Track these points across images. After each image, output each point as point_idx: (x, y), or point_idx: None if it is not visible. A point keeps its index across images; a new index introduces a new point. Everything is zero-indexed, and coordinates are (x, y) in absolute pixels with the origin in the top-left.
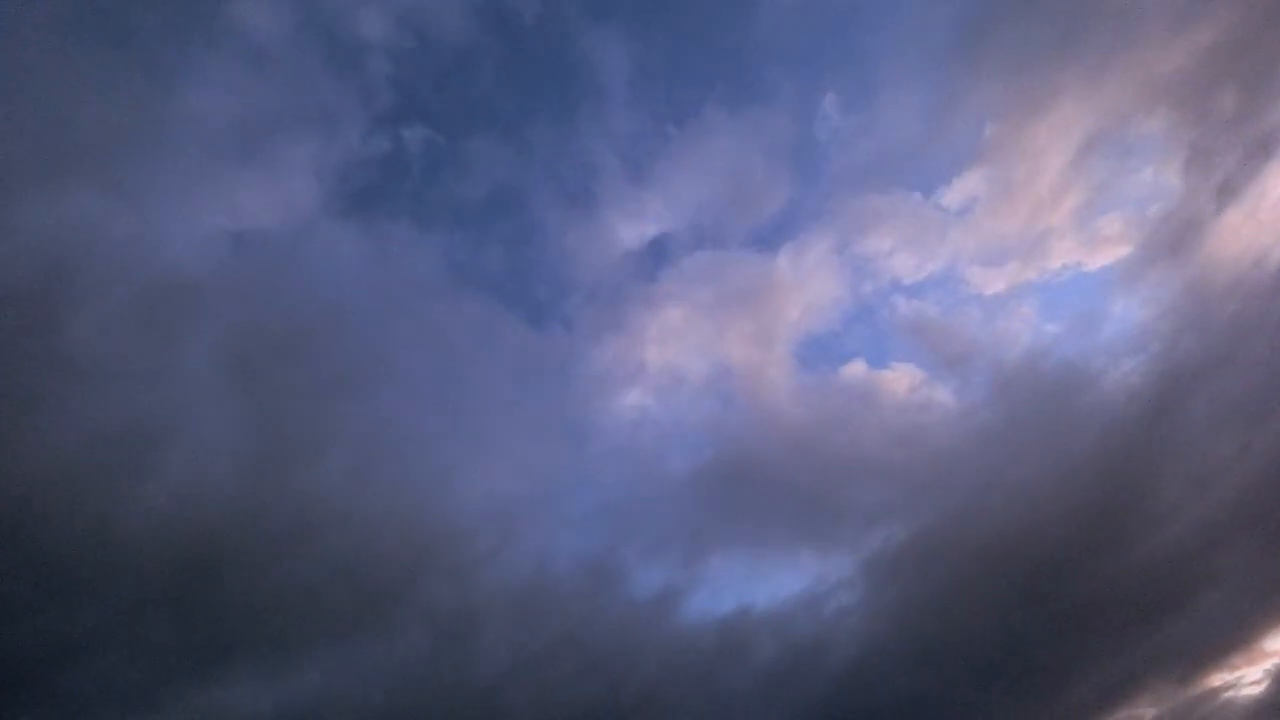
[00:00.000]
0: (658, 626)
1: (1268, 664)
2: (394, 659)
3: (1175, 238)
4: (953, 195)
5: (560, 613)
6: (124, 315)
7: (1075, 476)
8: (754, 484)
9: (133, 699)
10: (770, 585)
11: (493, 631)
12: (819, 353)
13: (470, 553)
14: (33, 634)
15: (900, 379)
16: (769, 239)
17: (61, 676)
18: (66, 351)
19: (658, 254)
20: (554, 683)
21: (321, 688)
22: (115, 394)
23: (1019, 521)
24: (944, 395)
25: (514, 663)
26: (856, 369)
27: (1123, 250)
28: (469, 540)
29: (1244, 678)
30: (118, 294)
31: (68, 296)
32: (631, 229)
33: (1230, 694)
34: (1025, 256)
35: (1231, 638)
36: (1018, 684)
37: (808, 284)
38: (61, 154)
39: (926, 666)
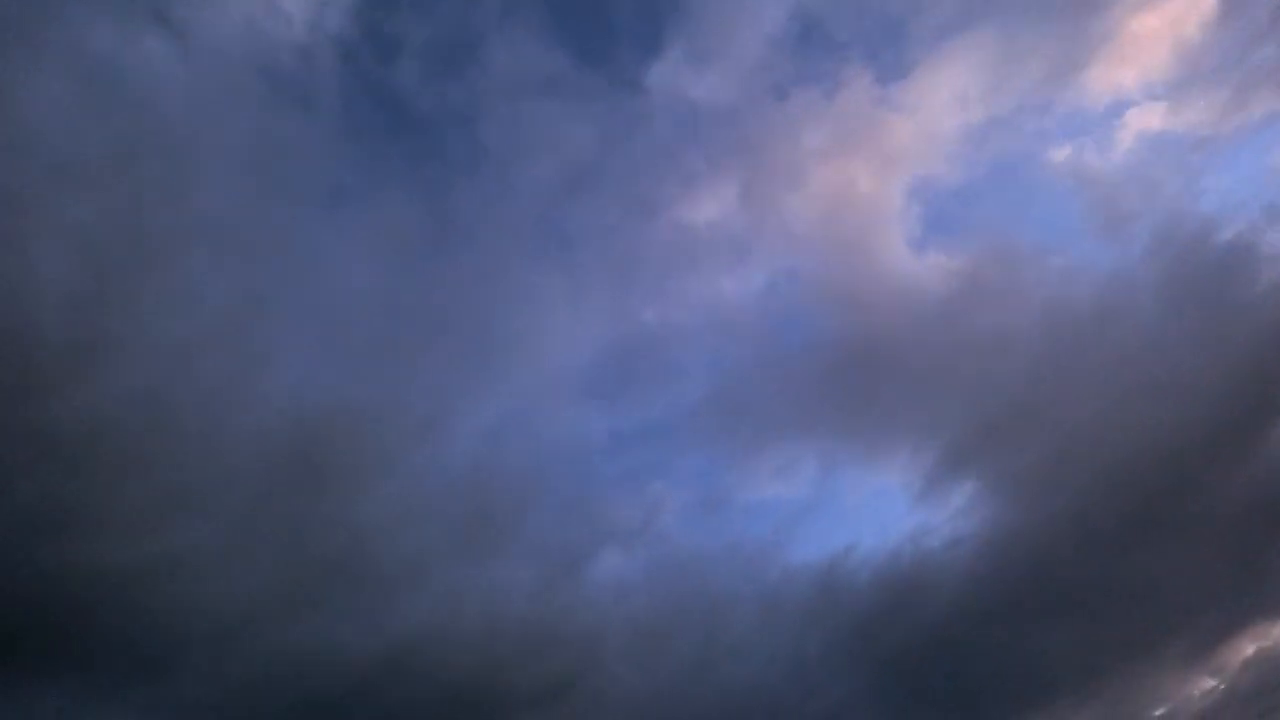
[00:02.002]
0: (760, 567)
1: None
2: (499, 591)
3: None
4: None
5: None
6: None
7: (1231, 379)
8: (868, 376)
9: (236, 622)
10: (875, 510)
11: (600, 566)
12: (945, 216)
13: (575, 484)
14: (134, 549)
15: (1035, 249)
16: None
17: (165, 593)
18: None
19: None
20: (652, 625)
21: (424, 622)
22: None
23: (1159, 434)
24: (1093, 269)
25: (617, 594)
26: (988, 235)
27: None
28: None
29: None
30: None
31: None
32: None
33: None
34: (1208, 100)
35: None
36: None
37: (934, 129)
38: None
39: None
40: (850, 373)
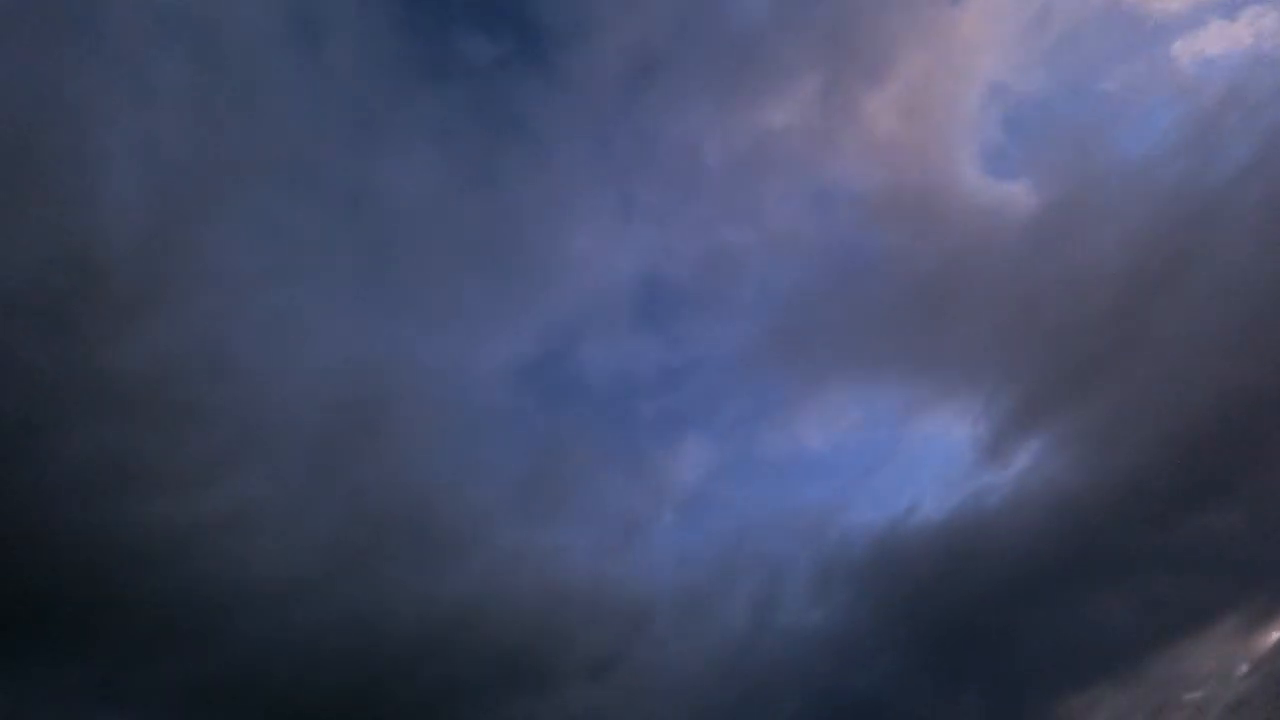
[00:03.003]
0: (819, 530)
1: None
2: (557, 555)
3: None
4: None
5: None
6: None
7: None
8: (938, 312)
9: (291, 583)
10: (939, 465)
11: (655, 531)
12: (1025, 130)
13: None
14: (192, 504)
15: (1122, 170)
16: None
17: (220, 552)
18: None
19: None
20: (704, 594)
21: (481, 586)
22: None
23: (1234, 395)
24: (1184, 195)
25: (671, 560)
26: (1071, 154)
27: None
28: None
29: None
30: None
31: None
32: None
33: None
34: None
35: None
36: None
37: (1015, 32)
38: None
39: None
40: (918, 307)
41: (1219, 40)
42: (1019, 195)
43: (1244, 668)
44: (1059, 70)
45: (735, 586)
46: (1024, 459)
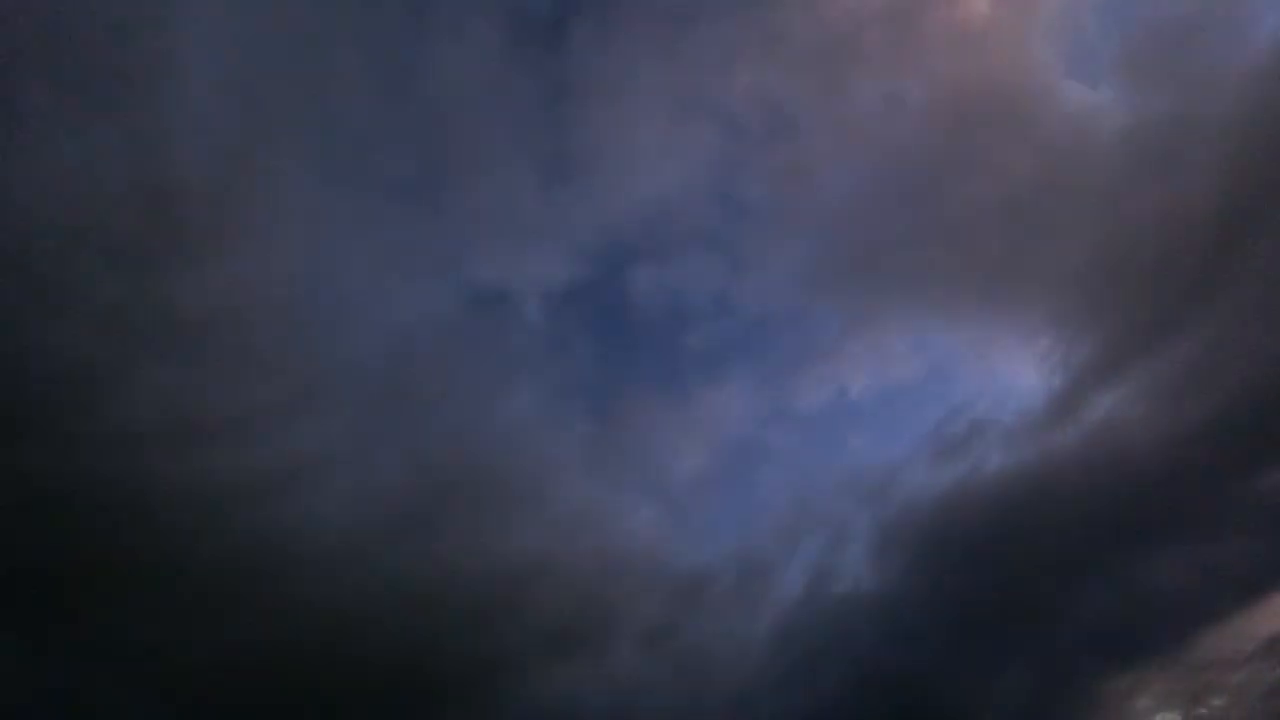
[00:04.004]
0: (882, 491)
1: None
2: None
3: None
4: None
5: None
6: None
7: None
8: (1010, 241)
9: (347, 543)
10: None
11: (713, 498)
12: (1119, 30)
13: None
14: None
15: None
16: None
17: (279, 509)
18: None
19: None
20: (759, 562)
21: (538, 550)
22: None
23: None
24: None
25: (728, 527)
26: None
27: None
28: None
29: None
30: None
31: None
32: None
33: None
34: None
35: None
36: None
37: None
38: None
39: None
40: (991, 233)
41: None
42: (1111, 106)
43: None
44: None
45: (793, 552)
46: (1097, 412)
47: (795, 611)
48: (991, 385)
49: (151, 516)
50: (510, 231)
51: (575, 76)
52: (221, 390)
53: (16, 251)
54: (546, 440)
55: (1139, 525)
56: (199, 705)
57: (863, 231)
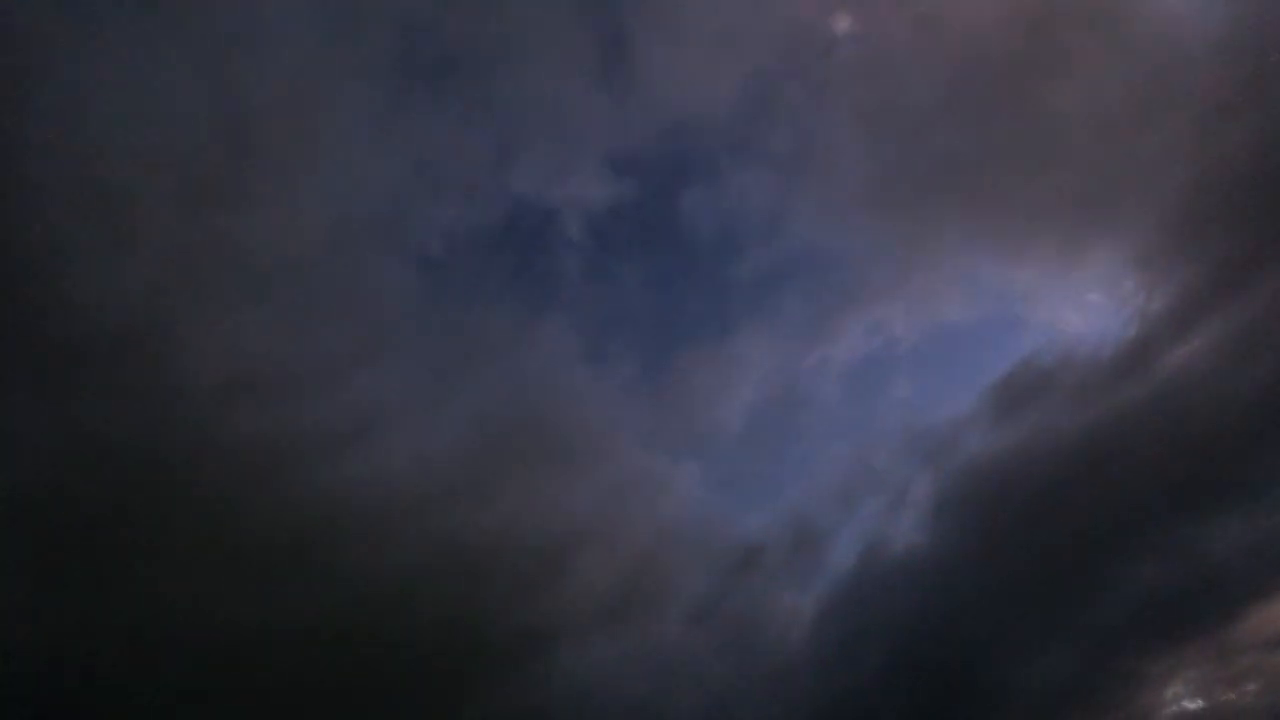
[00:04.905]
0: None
1: None
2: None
3: None
4: None
5: None
6: None
7: None
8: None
9: (404, 502)
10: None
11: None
12: None
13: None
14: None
15: None
16: None
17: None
18: None
19: None
20: (811, 532)
21: (592, 509)
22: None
23: None
24: None
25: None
26: None
27: None
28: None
29: None
30: None
31: None
32: None
33: None
34: None
35: None
36: None
37: None
38: None
39: None
40: (1069, 157)
41: None
42: (1210, 16)
43: None
44: None
45: (847, 518)
46: (1167, 368)
47: (844, 583)
48: (1059, 333)
49: (200, 472)
50: (554, 136)
51: None
52: (288, 339)
53: (90, 181)
54: (591, 391)
55: (1198, 493)
56: (239, 674)
57: (930, 145)
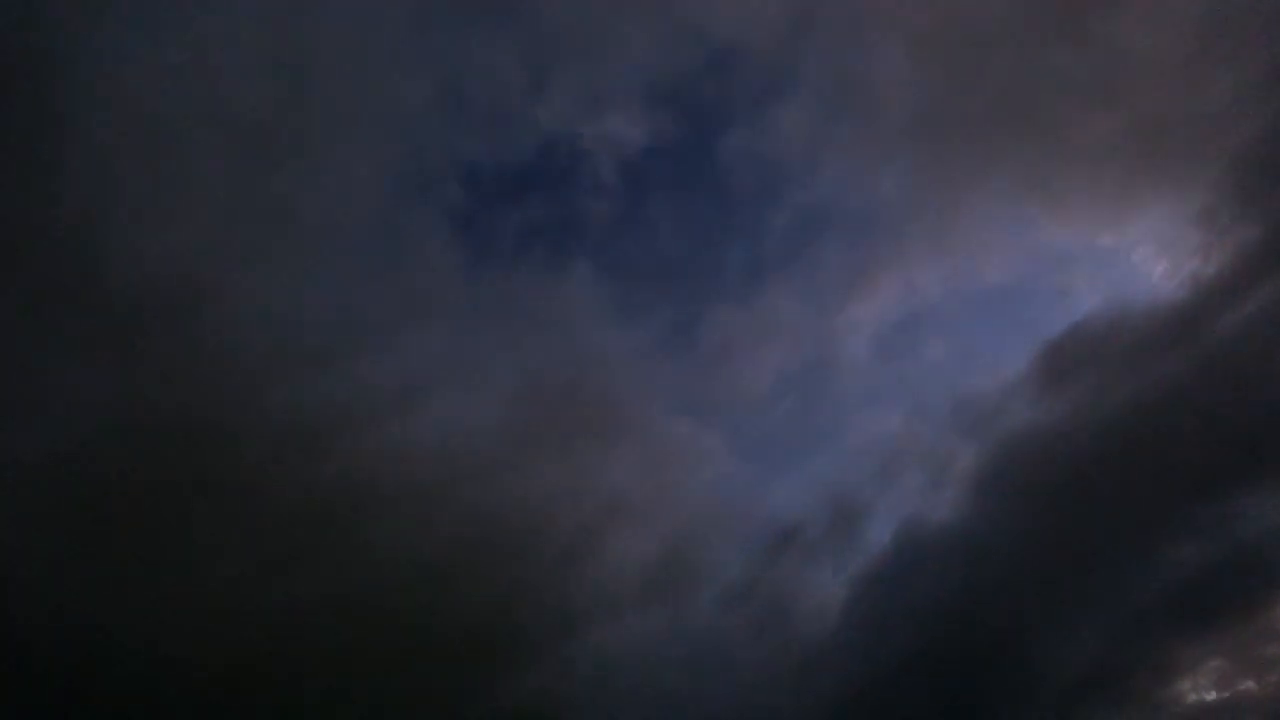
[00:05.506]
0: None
1: None
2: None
3: None
4: None
5: None
6: None
7: None
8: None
9: (440, 475)
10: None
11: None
12: None
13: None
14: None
15: None
16: None
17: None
18: None
19: None
20: (849, 513)
21: (628, 482)
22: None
23: None
24: None
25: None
26: None
27: None
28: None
29: None
30: None
31: None
32: None
33: None
34: None
35: None
36: None
37: None
38: None
39: None
40: (1132, 96)
41: None
42: None
43: None
44: None
45: (886, 495)
46: (1219, 335)
47: (879, 563)
48: (1107, 297)
49: (242, 442)
50: (588, 64)
51: None
52: (332, 304)
53: (143, 128)
54: (621, 352)
55: (1244, 470)
56: (275, 647)
57: (979, 80)
